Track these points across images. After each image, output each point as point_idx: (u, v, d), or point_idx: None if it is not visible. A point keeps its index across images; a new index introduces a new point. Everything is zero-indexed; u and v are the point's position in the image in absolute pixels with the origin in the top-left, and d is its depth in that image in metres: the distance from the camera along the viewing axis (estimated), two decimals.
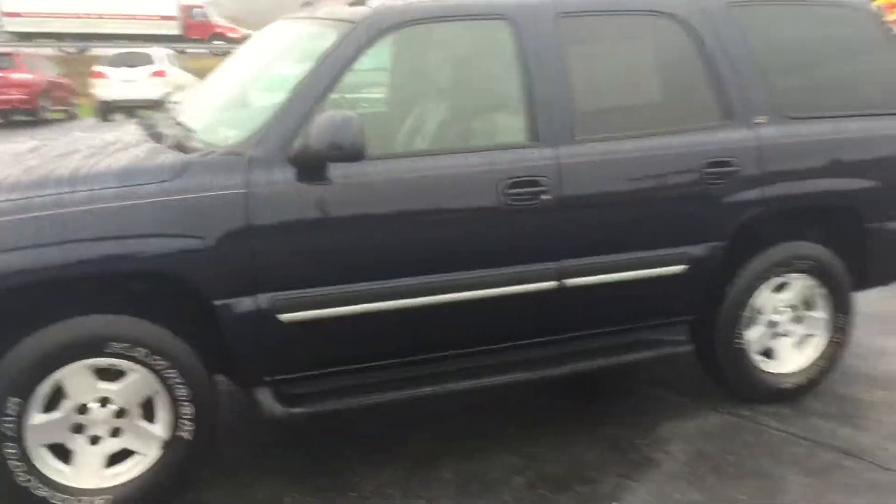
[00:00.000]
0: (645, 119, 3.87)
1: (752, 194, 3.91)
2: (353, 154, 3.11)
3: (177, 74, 21.74)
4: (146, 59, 21.52)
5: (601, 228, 3.71)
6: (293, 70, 3.58)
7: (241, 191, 3.16)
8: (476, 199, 3.48)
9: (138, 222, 3.06)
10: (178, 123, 3.85)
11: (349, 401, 3.45)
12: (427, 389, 3.54)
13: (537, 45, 3.62)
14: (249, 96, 3.97)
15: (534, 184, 3.53)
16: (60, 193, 3.04)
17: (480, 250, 3.52)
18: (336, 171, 3.26)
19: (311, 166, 3.23)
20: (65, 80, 23.26)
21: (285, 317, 3.26)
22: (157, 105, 12.75)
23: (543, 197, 3.53)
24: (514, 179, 3.50)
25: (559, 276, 3.63)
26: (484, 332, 3.67)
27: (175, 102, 4.52)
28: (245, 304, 3.21)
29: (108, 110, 20.40)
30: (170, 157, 3.28)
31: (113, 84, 20.59)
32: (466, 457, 3.70)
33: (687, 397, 4.30)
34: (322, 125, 3.11)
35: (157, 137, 3.68)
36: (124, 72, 20.79)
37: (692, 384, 4.40)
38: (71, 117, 22.77)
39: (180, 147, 3.44)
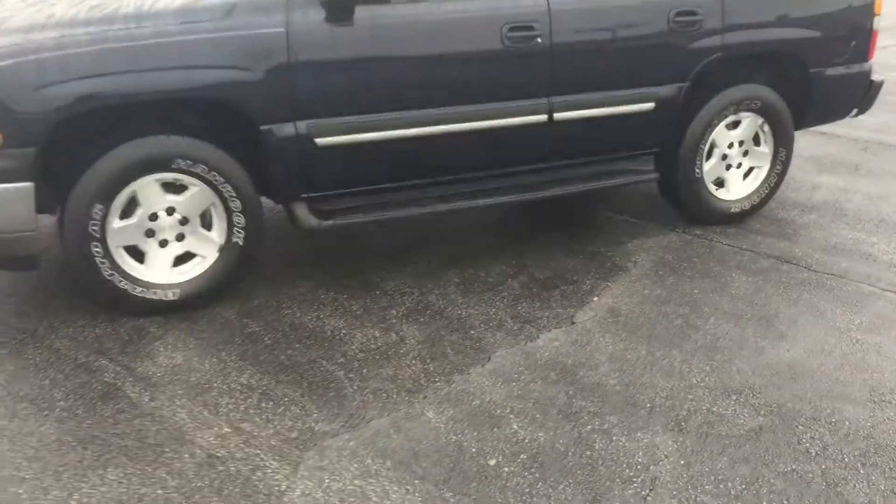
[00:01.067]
0: None
1: (713, 41, 4.51)
2: None
3: None
4: None
5: (584, 69, 4.29)
6: None
7: (282, 29, 3.66)
8: (482, 41, 4.02)
9: (198, 55, 3.56)
10: None
11: (371, 215, 4.06)
12: (441, 207, 4.17)
13: None
14: None
15: (528, 28, 4.07)
16: (129, 28, 3.50)
17: (485, 86, 4.10)
18: (362, 12, 3.76)
19: (340, 8, 3.72)
20: None
21: (320, 140, 3.82)
22: None
23: (537, 40, 4.09)
24: (512, 24, 4.04)
25: (550, 110, 4.23)
26: (485, 160, 4.28)
27: None
28: (286, 129, 3.76)
29: None
30: None
31: None
32: (469, 265, 4.38)
33: (647, 221, 5.01)
34: None
35: None
36: None
37: (651, 212, 5.11)
38: None
39: None
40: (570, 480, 2.77)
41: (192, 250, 3.84)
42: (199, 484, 2.71)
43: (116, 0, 3.70)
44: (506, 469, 2.82)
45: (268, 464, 2.81)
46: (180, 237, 3.79)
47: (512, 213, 5.11)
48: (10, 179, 3.39)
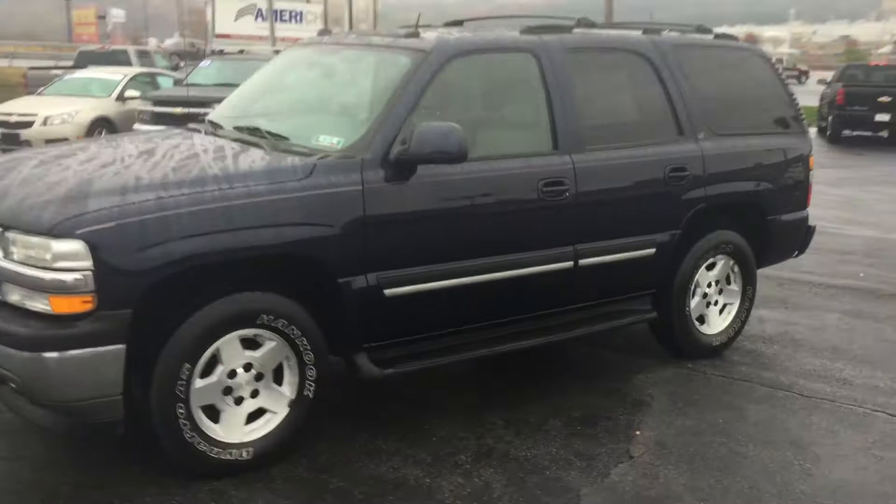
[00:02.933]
0: (627, 133, 4.90)
1: (698, 192, 5.05)
2: (458, 157, 3.87)
3: None
4: None
5: (602, 218, 4.68)
6: (370, 87, 4.28)
7: (358, 187, 3.82)
8: (524, 194, 4.33)
9: (286, 213, 3.65)
10: (252, 130, 4.37)
11: (427, 361, 4.17)
12: (483, 351, 4.35)
13: (554, 74, 4.54)
14: (331, 108, 4.56)
15: (560, 183, 4.44)
16: (222, 189, 3.56)
17: (525, 236, 4.39)
18: (424, 170, 3.99)
19: (406, 167, 3.94)
20: None
21: (388, 292, 3.94)
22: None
23: (566, 194, 4.45)
24: (547, 180, 4.39)
25: (575, 256, 4.56)
26: (523, 304, 4.52)
27: (203, 117, 4.96)
28: (359, 281, 3.87)
29: None
30: (297, 160, 3.86)
31: None
32: (503, 406, 4.53)
33: (638, 356, 5.37)
34: (427, 133, 3.82)
35: (247, 142, 4.21)
36: None
37: (636, 347, 5.48)
38: None
39: (286, 151, 4.02)
40: None
41: (265, 406, 3.79)
42: None
43: (191, 157, 3.76)
44: None
45: None
46: (254, 394, 3.75)
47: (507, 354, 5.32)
48: (104, 342, 3.30)
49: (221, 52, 18.72)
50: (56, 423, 3.52)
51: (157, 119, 13.00)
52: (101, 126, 13.96)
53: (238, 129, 4.50)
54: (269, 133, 4.24)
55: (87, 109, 13.90)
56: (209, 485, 3.62)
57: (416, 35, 4.46)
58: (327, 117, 4.47)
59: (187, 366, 3.49)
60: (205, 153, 4.09)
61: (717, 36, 5.73)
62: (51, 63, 31.68)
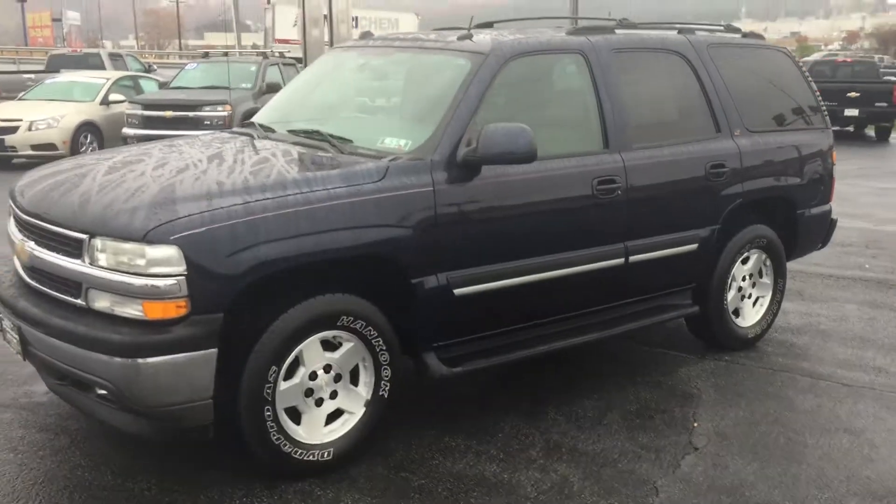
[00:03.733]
0: (669, 131, 4.99)
1: (736, 188, 5.16)
2: (528, 157, 3.92)
3: None
4: None
5: (650, 215, 4.77)
6: (429, 89, 4.33)
7: (429, 188, 3.86)
8: (579, 192, 4.40)
9: (365, 215, 3.68)
10: (312, 133, 4.39)
11: (492, 360, 4.22)
12: (542, 348, 4.41)
13: (602, 74, 4.62)
14: (390, 110, 4.59)
15: (612, 181, 4.52)
16: (304, 192, 3.58)
17: (581, 233, 4.46)
18: (487, 171, 4.04)
19: (472, 168, 3.99)
20: None
21: (458, 291, 3.99)
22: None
23: (618, 192, 4.53)
24: (600, 178, 4.47)
25: (626, 253, 4.65)
26: (578, 300, 4.60)
27: (250, 120, 4.95)
28: (431, 281, 3.91)
29: None
30: (370, 163, 3.88)
31: None
32: (558, 401, 4.60)
33: (675, 350, 5.47)
34: (496, 134, 3.87)
35: (310, 146, 4.23)
36: None
37: (671, 341, 5.59)
38: None
39: (353, 154, 4.04)
40: None
41: (343, 407, 3.81)
42: None
43: (262, 161, 3.78)
44: None
45: None
46: (333, 395, 3.77)
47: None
48: (197, 347, 3.31)
49: (206, 55, 18.57)
50: (144, 429, 3.50)
51: (147, 123, 12.91)
52: (87, 130, 13.79)
53: (294, 132, 4.51)
54: (331, 136, 4.25)
55: (72, 114, 13.70)
56: (294, 486, 3.64)
57: (469, 37, 4.50)
58: (387, 119, 4.51)
59: (274, 368, 3.51)
60: (274, 157, 4.10)
61: (745, 35, 5.85)
62: (12, 67, 31.23)
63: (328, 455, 3.72)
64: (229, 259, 3.34)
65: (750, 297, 5.56)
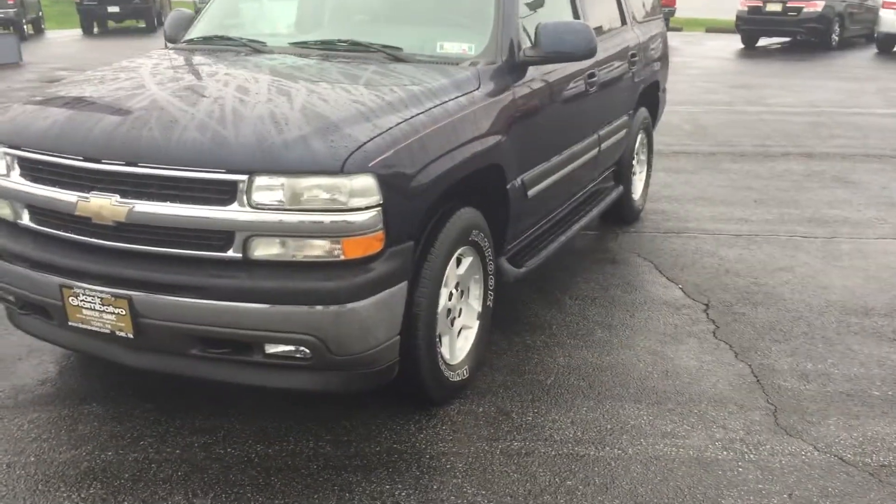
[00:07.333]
0: (609, 27, 5.35)
1: (643, 74, 5.70)
2: (589, 54, 3.99)
3: None
4: None
5: (610, 104, 5.15)
6: None
7: (510, 91, 3.83)
8: (581, 86, 4.62)
9: (483, 123, 3.55)
10: (352, 44, 3.99)
11: (544, 253, 4.37)
12: (576, 227, 4.75)
13: None
14: (427, 14, 4.23)
15: (592, 75, 4.77)
16: (437, 105, 3.35)
17: (585, 122, 4.76)
18: (534, 71, 4.07)
19: (524, 68, 3.99)
20: None
21: (530, 192, 4.04)
22: None
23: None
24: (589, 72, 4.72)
25: (599, 141, 4.99)
26: (583, 184, 4.96)
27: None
28: (517, 184, 3.91)
29: None
30: (461, 70, 3.69)
31: None
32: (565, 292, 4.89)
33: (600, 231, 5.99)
34: (557, 31, 3.88)
35: (360, 57, 3.89)
36: None
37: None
38: None
39: (421, 62, 3.80)
40: None
41: (465, 324, 3.73)
42: None
43: (355, 76, 3.51)
44: None
45: None
46: (459, 312, 3.68)
47: None
48: (395, 281, 3.04)
49: None
50: (330, 383, 3.11)
51: None
52: None
53: (324, 42, 4.06)
54: (378, 45, 3.92)
55: None
56: (445, 409, 3.54)
57: None
58: (431, 23, 4.18)
59: (442, 291, 3.36)
60: (358, 70, 3.70)
61: None
62: None
63: (466, 373, 3.65)
64: (414, 182, 3.08)
65: (635, 173, 6.21)
